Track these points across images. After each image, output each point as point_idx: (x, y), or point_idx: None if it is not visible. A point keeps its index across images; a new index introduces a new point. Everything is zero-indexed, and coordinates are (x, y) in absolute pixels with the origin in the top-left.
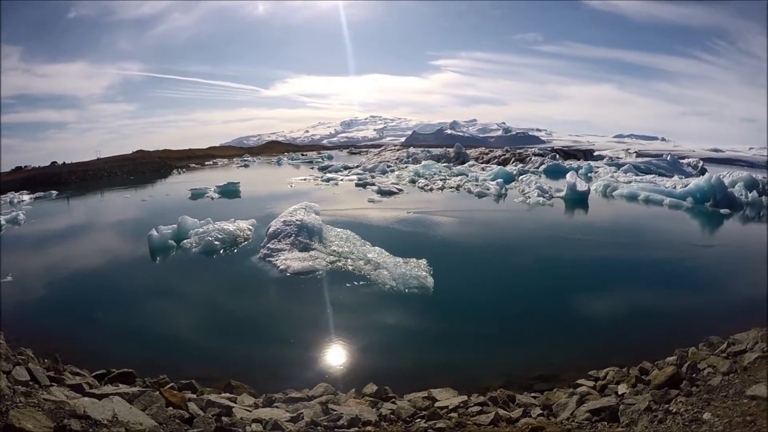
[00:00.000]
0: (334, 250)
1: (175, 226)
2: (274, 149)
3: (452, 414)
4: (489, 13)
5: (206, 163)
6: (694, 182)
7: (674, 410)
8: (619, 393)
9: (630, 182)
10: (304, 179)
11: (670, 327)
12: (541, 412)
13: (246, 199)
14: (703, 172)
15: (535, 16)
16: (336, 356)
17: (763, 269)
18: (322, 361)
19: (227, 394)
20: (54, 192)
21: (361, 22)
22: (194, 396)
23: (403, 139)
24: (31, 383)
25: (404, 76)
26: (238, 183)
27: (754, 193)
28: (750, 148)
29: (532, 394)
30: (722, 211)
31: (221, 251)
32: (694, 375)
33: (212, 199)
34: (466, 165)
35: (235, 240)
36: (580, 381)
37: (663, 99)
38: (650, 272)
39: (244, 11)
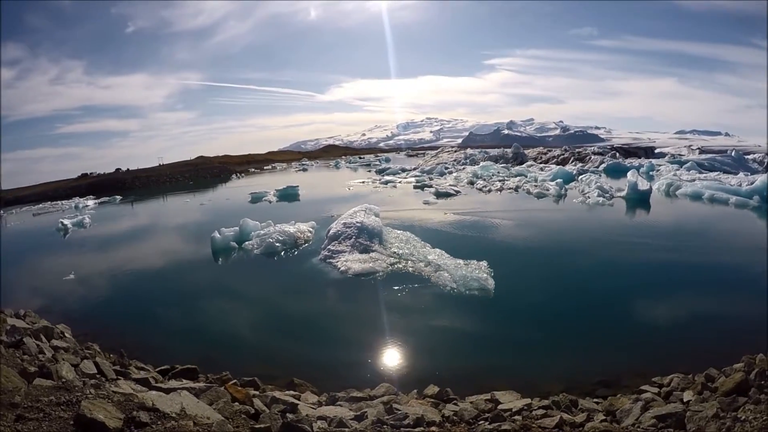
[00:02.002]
0: (394, 252)
1: (237, 228)
2: (331, 153)
3: (516, 417)
4: (542, 10)
5: (265, 167)
6: (761, 179)
7: (743, 418)
8: (685, 400)
9: (693, 180)
10: (363, 182)
11: (737, 333)
12: (604, 417)
13: (305, 202)
14: None
15: (589, 10)
16: (396, 357)
17: None
18: (382, 361)
19: (291, 392)
20: (118, 197)
21: (413, 24)
22: (257, 392)
23: (459, 141)
24: (98, 376)
25: (459, 77)
26: (297, 186)
27: None
28: None
29: (595, 400)
30: None
31: (282, 253)
32: (762, 382)
33: (270, 202)
34: (524, 165)
35: (296, 242)
36: (643, 387)
37: (726, 92)
38: (715, 276)
39: (297, 17)
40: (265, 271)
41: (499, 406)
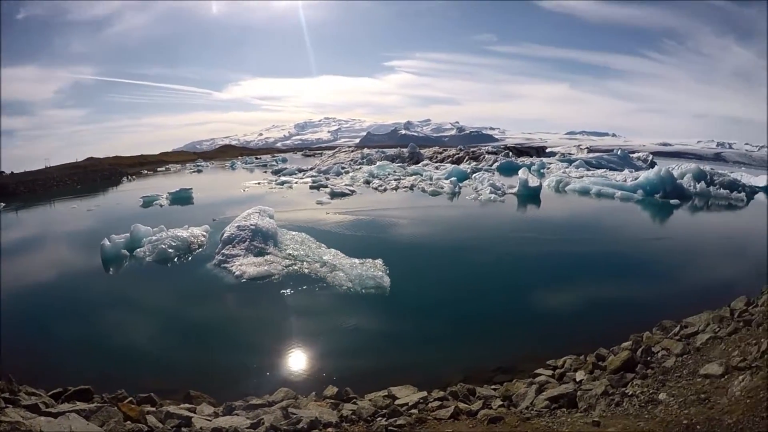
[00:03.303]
0: (290, 254)
1: (128, 234)
2: (227, 153)
3: (412, 410)
4: (445, 15)
5: (158, 169)
6: (644, 175)
7: (630, 393)
8: (577, 380)
9: (582, 177)
10: (258, 183)
11: (626, 315)
12: (501, 403)
13: (199, 205)
14: (652, 165)
15: (490, 17)
16: (295, 360)
17: (712, 255)
18: (281, 366)
19: (186, 405)
20: (1, 204)
21: (317, 23)
22: (153, 409)
23: (357, 141)
24: None
25: (359, 77)
26: (191, 189)
27: (702, 184)
28: (698, 142)
29: (493, 387)
30: (672, 201)
31: (175, 259)
32: (648, 358)
33: (162, 206)
34: (420, 164)
35: (189, 247)
36: (538, 371)
37: (615, 97)
38: (604, 265)
39: (199, 11)
40: (158, 279)
41: (396, 402)
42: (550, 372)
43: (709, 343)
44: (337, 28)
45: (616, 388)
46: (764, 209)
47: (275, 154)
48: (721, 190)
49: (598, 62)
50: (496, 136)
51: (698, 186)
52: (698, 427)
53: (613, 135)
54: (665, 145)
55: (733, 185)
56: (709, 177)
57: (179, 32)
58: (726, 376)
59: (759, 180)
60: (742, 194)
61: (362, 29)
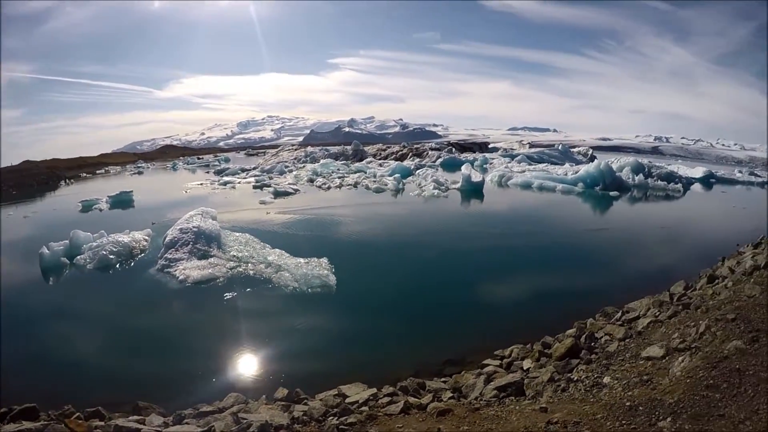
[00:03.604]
0: (234, 256)
1: (67, 242)
2: (169, 154)
3: (363, 408)
4: (390, 13)
5: (98, 171)
6: (585, 169)
7: (576, 378)
8: (524, 368)
9: (524, 171)
10: (201, 184)
11: (570, 304)
12: (451, 394)
13: (140, 208)
14: (592, 159)
15: (434, 16)
16: (245, 364)
17: (651, 244)
18: (231, 370)
19: (136, 417)
20: None
21: (262, 20)
22: (102, 423)
23: (301, 139)
24: None
25: (303, 75)
26: (132, 192)
27: (641, 176)
28: (636, 136)
29: (442, 379)
30: (611, 193)
31: (117, 265)
32: (592, 344)
33: (101, 211)
34: (364, 162)
35: (131, 252)
36: (486, 361)
37: (556, 94)
38: (548, 256)
39: (141, 7)
40: (100, 287)
41: (347, 400)
42: (497, 362)
43: (650, 327)
44: (280, 25)
45: (562, 374)
46: (700, 199)
47: (218, 154)
48: (659, 182)
49: (540, 60)
50: (440, 133)
51: (637, 178)
52: (641, 408)
53: (554, 130)
54: (605, 139)
55: (670, 177)
56: (647, 169)
57: (120, 28)
58: (667, 358)
59: (695, 171)
60: (679, 185)
61: (307, 27)
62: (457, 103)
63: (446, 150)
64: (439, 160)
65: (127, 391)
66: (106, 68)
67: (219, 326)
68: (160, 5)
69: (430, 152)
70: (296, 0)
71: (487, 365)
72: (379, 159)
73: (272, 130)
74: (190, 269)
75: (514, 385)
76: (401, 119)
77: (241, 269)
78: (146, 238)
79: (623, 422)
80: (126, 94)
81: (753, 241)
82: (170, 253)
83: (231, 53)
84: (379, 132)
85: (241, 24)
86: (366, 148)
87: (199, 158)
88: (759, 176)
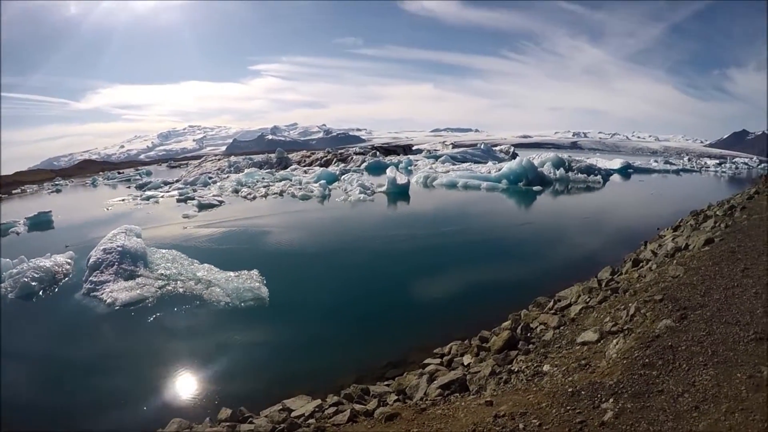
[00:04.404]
0: (162, 274)
1: None
2: (88, 169)
3: (310, 420)
4: (310, 18)
5: (13, 191)
6: (507, 165)
7: (516, 369)
8: (465, 364)
9: (448, 171)
10: (123, 200)
11: (503, 297)
12: (396, 397)
13: (61, 229)
14: (514, 156)
15: (354, 20)
16: (184, 387)
17: (576, 233)
18: (170, 395)
19: None
20: None
21: (178, 25)
22: None
23: (224, 148)
24: None
25: (224, 82)
26: (50, 212)
27: (561, 170)
28: (555, 132)
29: (386, 383)
30: (535, 188)
31: (41, 292)
32: (528, 334)
33: (18, 234)
34: (289, 169)
35: (54, 277)
36: (427, 360)
37: (476, 95)
38: (477, 252)
39: (56, 14)
40: (24, 317)
41: (292, 414)
42: (438, 360)
43: (583, 313)
44: (199, 31)
45: (503, 366)
46: (619, 188)
47: (139, 167)
48: (579, 175)
49: (459, 63)
50: (364, 137)
51: (558, 172)
52: (583, 392)
53: (476, 130)
54: (525, 137)
55: (590, 169)
56: (567, 164)
57: (33, 36)
58: (602, 341)
59: (613, 163)
60: (599, 177)
61: (225, 33)
62: (380, 107)
63: (371, 154)
64: (364, 164)
65: (61, 429)
66: (18, 78)
67: (153, 349)
68: (76, 10)
69: (354, 157)
70: (211, 1)
71: (428, 364)
72: (304, 166)
73: (194, 140)
74: (118, 291)
75: (457, 382)
76: (324, 125)
77: (170, 287)
78: (69, 261)
79: (568, 408)
80: (41, 107)
81: (672, 225)
82: (95, 276)
83: (149, 61)
84: (302, 138)
85: (159, 30)
86: (290, 156)
87: (119, 173)
88: (673, 164)
